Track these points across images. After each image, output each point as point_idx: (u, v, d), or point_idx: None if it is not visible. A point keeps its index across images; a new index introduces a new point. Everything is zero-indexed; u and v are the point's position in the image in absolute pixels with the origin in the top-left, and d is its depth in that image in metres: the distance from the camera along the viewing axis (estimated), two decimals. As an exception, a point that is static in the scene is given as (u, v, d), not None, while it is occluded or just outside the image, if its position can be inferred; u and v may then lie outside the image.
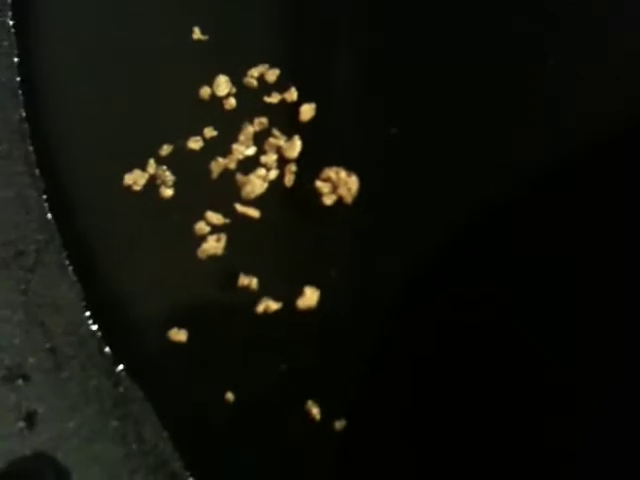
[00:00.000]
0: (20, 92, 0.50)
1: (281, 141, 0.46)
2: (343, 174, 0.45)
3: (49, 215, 0.48)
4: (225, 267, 0.46)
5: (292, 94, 0.47)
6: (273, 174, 0.46)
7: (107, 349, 0.46)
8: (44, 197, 0.48)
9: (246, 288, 0.45)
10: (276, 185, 0.46)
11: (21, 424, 0.43)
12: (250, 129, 0.47)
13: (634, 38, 0.45)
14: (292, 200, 0.46)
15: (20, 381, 0.44)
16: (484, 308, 0.43)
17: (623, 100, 0.44)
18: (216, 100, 0.47)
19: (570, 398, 0.41)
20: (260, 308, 0.45)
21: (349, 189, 0.45)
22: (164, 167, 0.47)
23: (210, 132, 0.47)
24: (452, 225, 0.45)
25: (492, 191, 0.44)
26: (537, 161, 0.44)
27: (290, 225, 0.46)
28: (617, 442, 0.41)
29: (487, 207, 0.44)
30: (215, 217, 0.46)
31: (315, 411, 0.43)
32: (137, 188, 0.47)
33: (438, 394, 0.43)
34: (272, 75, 0.47)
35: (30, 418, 0.43)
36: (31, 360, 0.45)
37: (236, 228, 0.46)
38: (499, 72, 0.46)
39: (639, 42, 0.45)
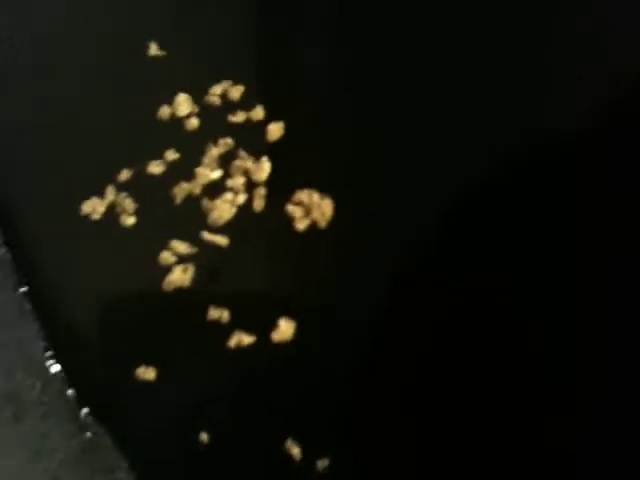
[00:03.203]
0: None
1: (248, 163, 0.45)
2: (316, 197, 0.44)
3: (4, 250, 0.46)
4: (193, 300, 0.44)
5: (258, 112, 0.45)
6: (241, 198, 0.45)
7: (70, 391, 0.44)
8: (-2, 231, 0.47)
9: (216, 321, 0.43)
10: (245, 210, 0.45)
11: (-19, 480, 0.41)
12: (215, 151, 0.45)
13: (634, 38, 0.45)
14: (262, 226, 0.45)
15: (-22, 434, 0.42)
16: (483, 310, 0.42)
17: (623, 100, 0.44)
18: (177, 120, 0.46)
19: (570, 398, 0.41)
20: (232, 342, 0.43)
21: (323, 213, 0.44)
22: (124, 194, 0.46)
23: (172, 155, 0.46)
24: (436, 245, 0.44)
25: (490, 195, 0.44)
26: (537, 161, 0.44)
27: (261, 253, 0.45)
28: (617, 442, 0.41)
29: (484, 213, 0.44)
30: (181, 246, 0.44)
31: (295, 451, 0.42)
32: (96, 217, 0.46)
33: (425, 427, 0.42)
34: (236, 92, 0.46)
35: (-9, 472, 0.41)
36: (-11, 409, 0.43)
37: (203, 257, 0.44)
38: (499, 72, 0.45)
39: (639, 42, 0.45)
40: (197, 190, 0.45)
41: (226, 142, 0.45)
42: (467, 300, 0.42)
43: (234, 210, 0.44)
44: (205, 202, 0.45)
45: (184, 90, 0.46)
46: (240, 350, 0.43)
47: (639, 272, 0.42)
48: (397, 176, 0.44)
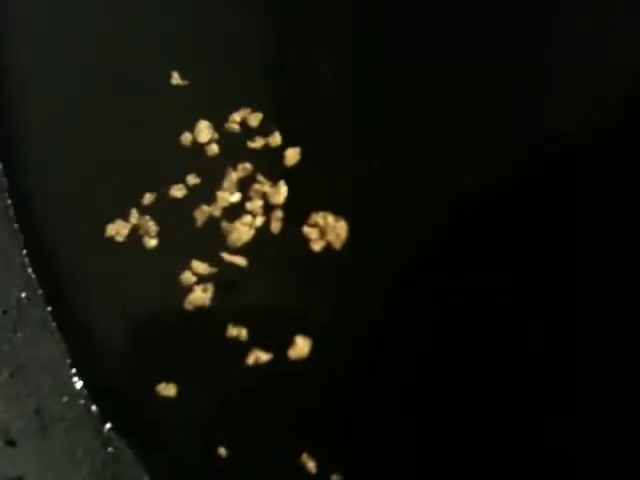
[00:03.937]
0: (-4, 144, 0.49)
1: (266, 187, 0.45)
2: (331, 219, 0.44)
3: (30, 270, 0.47)
4: (213, 318, 0.45)
5: (276, 138, 0.46)
6: (259, 221, 0.45)
7: (94, 407, 0.45)
8: (24, 252, 0.47)
9: (235, 339, 0.44)
10: (263, 232, 0.45)
11: (8, 491, 0.42)
12: (234, 175, 0.46)
13: (634, 38, 0.44)
14: (279, 247, 0.45)
15: (5, 447, 0.43)
16: (483, 310, 0.42)
17: (623, 100, 0.44)
18: (198, 146, 0.46)
19: (570, 398, 0.41)
20: (250, 359, 0.44)
21: (338, 234, 0.44)
22: (147, 217, 0.46)
23: (193, 179, 0.46)
24: (436, 245, 0.44)
25: (490, 195, 0.44)
26: (537, 161, 0.44)
27: (278, 273, 0.45)
28: (617, 442, 0.40)
29: (484, 213, 0.44)
30: (201, 266, 0.45)
31: (311, 465, 0.42)
32: (120, 239, 0.46)
33: (436, 441, 0.42)
34: (255, 119, 0.46)
35: (17, 485, 0.42)
36: (17, 423, 0.43)
37: (223, 277, 0.45)
38: (499, 72, 0.45)
39: (639, 42, 0.44)
40: (217, 213, 0.45)
41: (245, 167, 0.45)
42: (467, 300, 0.42)
43: (252, 232, 0.45)
44: (225, 224, 0.45)
45: (205, 117, 0.46)
46: (258, 367, 0.43)
47: (639, 272, 0.42)
48: (397, 175, 0.44)
